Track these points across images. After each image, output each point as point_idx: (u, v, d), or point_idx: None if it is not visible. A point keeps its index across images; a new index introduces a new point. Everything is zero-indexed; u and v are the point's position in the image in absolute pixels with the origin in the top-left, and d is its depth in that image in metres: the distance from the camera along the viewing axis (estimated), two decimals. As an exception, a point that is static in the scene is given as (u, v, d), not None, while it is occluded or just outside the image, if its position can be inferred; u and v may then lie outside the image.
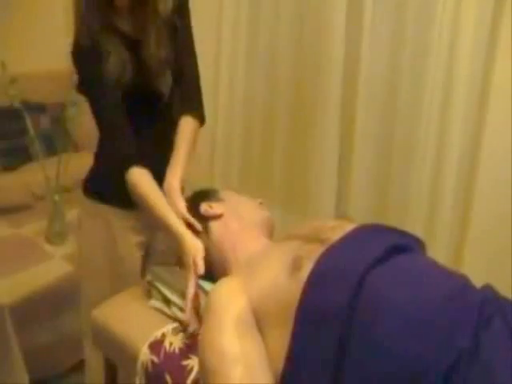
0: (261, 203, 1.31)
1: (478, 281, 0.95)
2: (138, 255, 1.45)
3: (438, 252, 1.71)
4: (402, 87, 1.79)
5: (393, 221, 1.86)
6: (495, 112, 1.59)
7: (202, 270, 1.11)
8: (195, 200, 1.28)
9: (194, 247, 1.13)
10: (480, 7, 1.57)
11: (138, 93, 1.32)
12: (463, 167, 1.70)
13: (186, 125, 1.38)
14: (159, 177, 1.27)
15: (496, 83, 1.57)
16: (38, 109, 2.53)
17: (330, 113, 1.93)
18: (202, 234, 1.20)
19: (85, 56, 1.27)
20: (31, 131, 2.16)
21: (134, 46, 1.32)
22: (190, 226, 1.20)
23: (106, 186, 1.37)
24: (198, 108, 1.43)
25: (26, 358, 1.72)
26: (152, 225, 1.37)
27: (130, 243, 1.44)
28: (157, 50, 1.34)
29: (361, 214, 1.93)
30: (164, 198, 1.23)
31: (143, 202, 1.24)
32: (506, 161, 1.60)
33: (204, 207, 1.24)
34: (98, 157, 1.45)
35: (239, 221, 1.21)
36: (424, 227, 1.78)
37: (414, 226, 1.75)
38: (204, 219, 1.22)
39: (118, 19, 1.31)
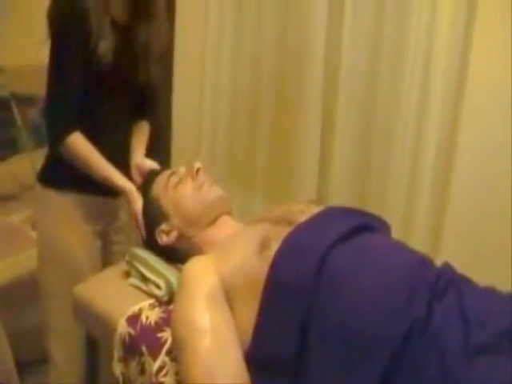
0: (198, 169, 1.24)
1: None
2: (96, 244, 1.47)
3: (416, 241, 1.77)
4: (382, 80, 1.83)
5: (372, 211, 1.91)
6: (471, 104, 1.64)
7: (143, 231, 1.27)
8: (149, 229, 1.26)
9: (136, 201, 1.28)
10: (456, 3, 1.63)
11: (110, 77, 1.34)
12: (440, 158, 1.75)
13: (145, 128, 1.55)
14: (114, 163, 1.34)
15: (471, 76, 1.63)
16: (26, 101, 2.54)
17: (311, 106, 1.97)
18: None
19: (69, 26, 1.26)
20: (19, 122, 2.20)
21: (123, 33, 1.34)
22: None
23: (62, 173, 1.38)
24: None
25: (10, 340, 1.73)
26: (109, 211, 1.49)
27: (86, 231, 1.44)
28: (150, 43, 1.38)
29: (341, 203, 1.98)
30: (103, 159, 1.31)
31: (84, 162, 1.31)
32: (481, 152, 1.66)
33: (160, 238, 1.22)
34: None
35: (197, 227, 1.21)
36: (402, 217, 1.83)
37: (393, 217, 1.80)
38: (167, 246, 1.23)
39: (113, 4, 1.29)
